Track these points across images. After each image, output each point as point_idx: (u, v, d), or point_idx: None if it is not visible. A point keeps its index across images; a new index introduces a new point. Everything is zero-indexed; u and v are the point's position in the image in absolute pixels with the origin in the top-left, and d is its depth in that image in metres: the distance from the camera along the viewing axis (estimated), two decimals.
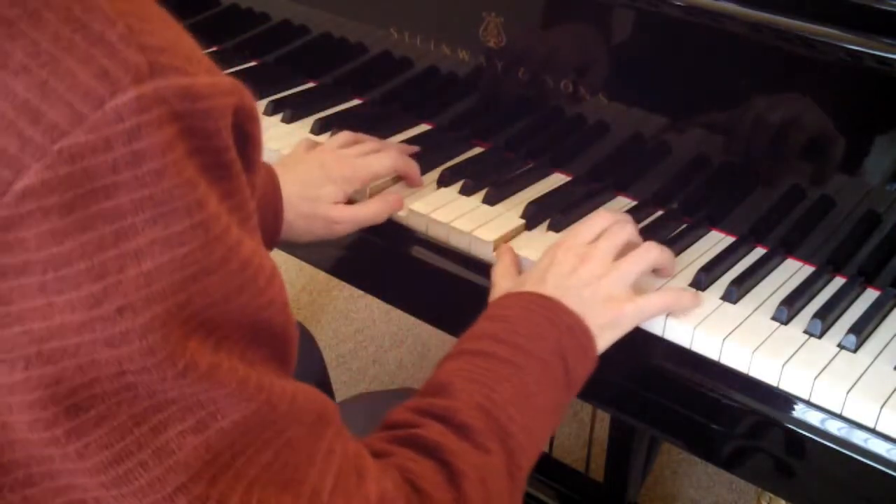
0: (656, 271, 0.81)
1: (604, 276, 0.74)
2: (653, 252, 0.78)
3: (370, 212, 0.89)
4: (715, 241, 0.89)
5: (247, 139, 0.45)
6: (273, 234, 0.86)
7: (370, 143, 0.95)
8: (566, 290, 0.72)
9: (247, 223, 0.45)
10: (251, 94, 0.45)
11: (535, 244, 0.86)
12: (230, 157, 0.43)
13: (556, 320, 0.69)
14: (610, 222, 0.80)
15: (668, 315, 0.77)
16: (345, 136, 0.96)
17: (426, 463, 0.57)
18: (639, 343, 0.79)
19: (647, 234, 0.88)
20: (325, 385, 1.09)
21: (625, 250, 0.78)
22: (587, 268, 0.74)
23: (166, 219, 0.40)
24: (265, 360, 0.46)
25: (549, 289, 0.73)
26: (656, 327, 0.78)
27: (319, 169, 0.89)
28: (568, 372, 0.68)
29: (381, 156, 0.92)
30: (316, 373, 1.07)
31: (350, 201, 0.91)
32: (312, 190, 0.87)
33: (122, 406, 0.41)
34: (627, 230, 0.79)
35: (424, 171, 0.97)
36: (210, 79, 0.42)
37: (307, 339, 1.07)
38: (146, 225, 0.40)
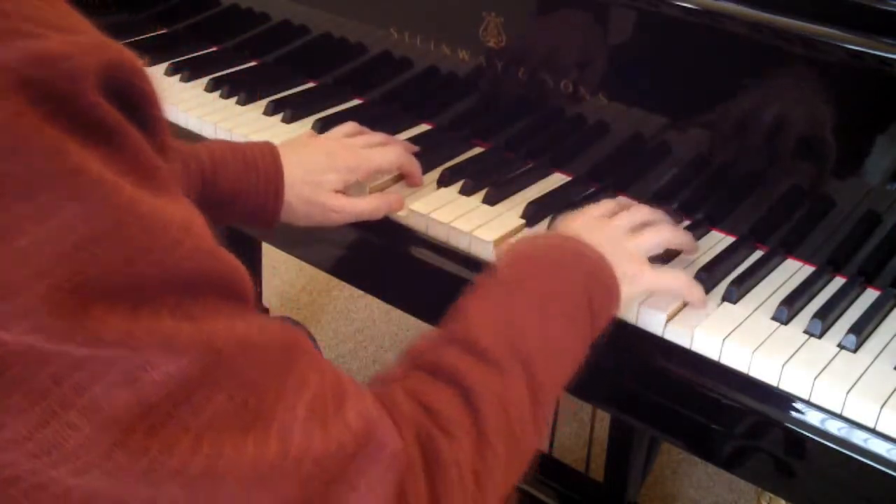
0: (678, 253, 0.84)
1: (625, 239, 0.76)
2: (668, 229, 0.80)
3: (368, 206, 0.90)
4: (715, 241, 0.89)
5: (135, 95, 0.42)
6: (273, 212, 0.86)
7: (376, 136, 0.96)
8: (591, 237, 0.73)
9: (148, 181, 0.42)
10: (129, 51, 0.43)
11: None
12: (105, 117, 0.40)
13: (583, 261, 0.69)
14: (620, 205, 0.82)
15: (668, 315, 0.77)
16: (351, 125, 0.97)
17: (440, 385, 0.56)
18: (639, 343, 0.79)
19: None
20: None
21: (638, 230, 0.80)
22: (608, 230, 0.76)
23: (32, 191, 0.38)
24: (209, 307, 0.44)
25: (574, 232, 0.74)
26: (656, 327, 0.78)
27: (325, 156, 0.89)
28: (593, 317, 0.68)
29: (387, 150, 0.92)
30: None
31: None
32: (315, 176, 0.87)
33: (37, 367, 0.39)
34: (643, 210, 0.82)
35: (425, 171, 0.97)
36: (64, 38, 0.39)
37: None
38: (12, 201, 0.37)
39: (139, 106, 0.43)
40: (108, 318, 0.40)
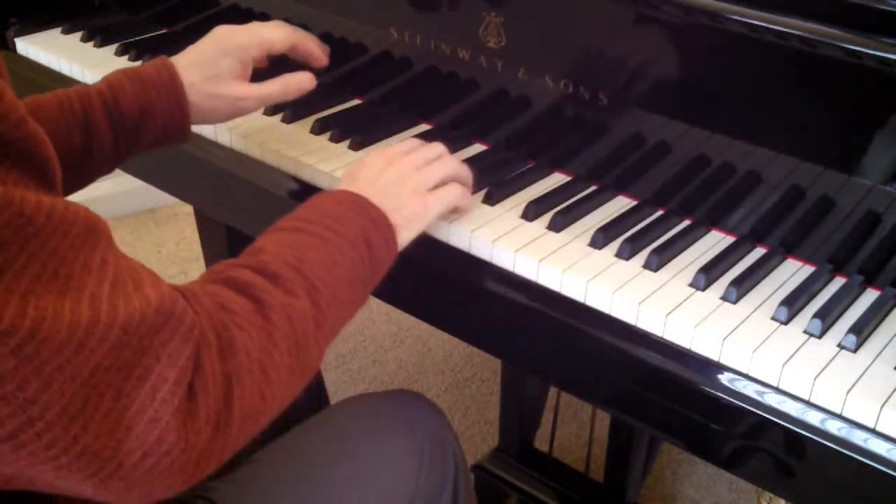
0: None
1: (409, 177, 0.82)
2: (454, 162, 0.87)
3: (274, 89, 0.93)
4: (715, 241, 0.89)
5: None
6: (181, 121, 0.89)
7: (271, 22, 0.99)
8: (373, 187, 0.80)
9: None
10: None
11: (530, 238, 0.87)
12: None
13: (362, 212, 0.76)
14: (420, 144, 0.88)
15: (668, 314, 0.78)
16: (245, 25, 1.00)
17: (234, 293, 0.63)
18: (639, 343, 0.79)
19: (647, 233, 0.88)
20: (318, 385, 1.08)
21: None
22: (394, 169, 0.82)
23: None
24: (21, 178, 0.47)
25: (360, 186, 0.80)
26: (656, 327, 0.78)
27: (213, 45, 0.92)
28: (371, 255, 0.75)
29: (276, 23, 0.96)
30: None
31: None
32: (211, 69, 0.90)
33: None
34: (438, 148, 0.87)
35: None
36: None
37: None
38: None
39: None
40: None
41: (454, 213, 0.89)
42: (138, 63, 1.22)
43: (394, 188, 0.81)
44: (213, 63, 0.90)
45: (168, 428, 0.52)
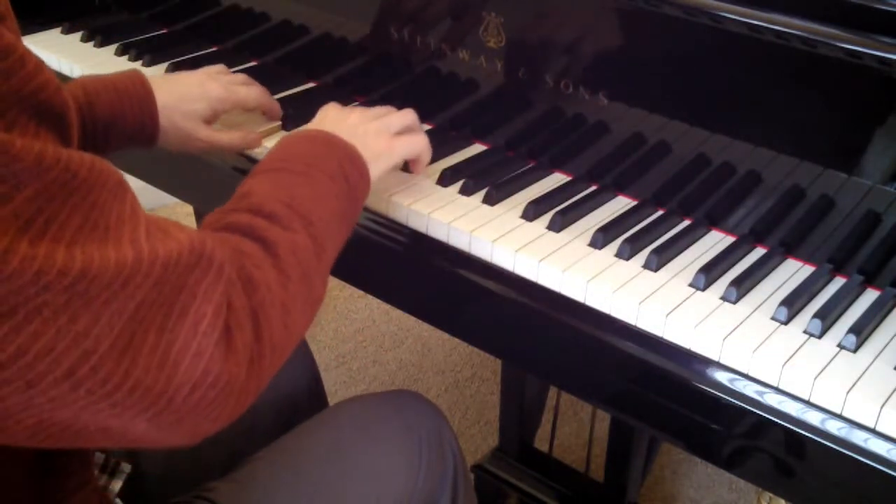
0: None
1: (370, 122, 0.88)
2: (410, 116, 0.92)
3: (225, 139, 0.99)
4: (715, 241, 0.89)
5: None
6: (152, 129, 0.94)
7: (240, 76, 1.05)
8: (339, 127, 0.84)
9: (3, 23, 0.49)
10: None
11: (531, 238, 0.87)
12: None
13: (335, 148, 0.80)
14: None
15: (668, 314, 0.78)
16: (220, 67, 1.05)
17: (239, 237, 0.66)
18: (639, 343, 0.79)
19: (646, 233, 0.88)
20: (317, 386, 1.09)
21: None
22: (355, 116, 0.88)
23: None
24: (54, 138, 0.51)
25: (326, 127, 0.84)
26: (656, 328, 0.78)
27: (198, 87, 0.98)
28: (350, 188, 0.78)
29: (251, 88, 1.03)
30: (308, 376, 1.07)
31: None
32: (187, 104, 0.97)
33: None
34: (391, 109, 0.92)
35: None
36: None
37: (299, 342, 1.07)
38: None
39: None
40: None
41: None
42: (138, 63, 1.22)
43: (359, 129, 0.86)
44: (190, 100, 0.97)
45: (212, 360, 0.55)
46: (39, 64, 0.50)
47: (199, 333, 0.55)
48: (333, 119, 0.87)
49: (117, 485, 0.76)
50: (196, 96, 0.97)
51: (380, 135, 0.87)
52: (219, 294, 0.56)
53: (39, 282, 0.47)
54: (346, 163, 0.79)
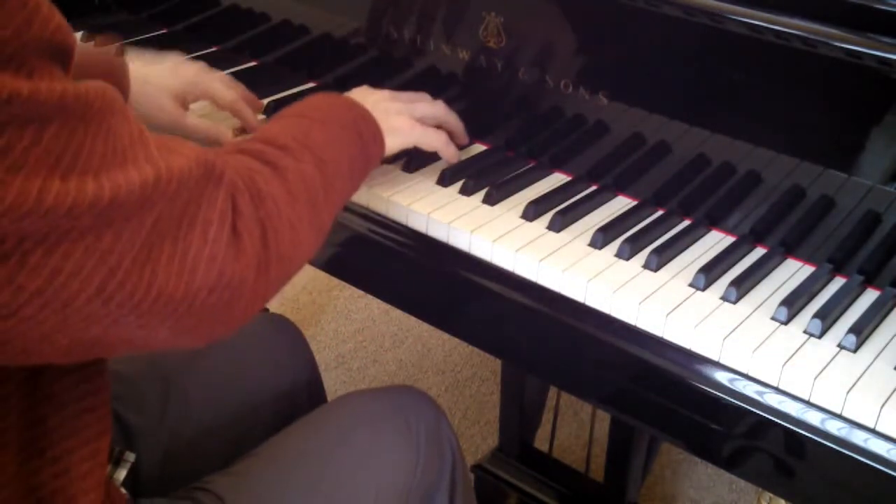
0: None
1: (393, 103, 0.91)
2: (443, 107, 0.96)
3: (191, 120, 1.01)
4: (715, 241, 0.89)
5: None
6: (124, 91, 0.95)
7: (221, 74, 1.06)
8: (365, 99, 0.88)
9: None
10: None
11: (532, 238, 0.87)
12: None
13: (354, 108, 0.85)
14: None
15: (668, 314, 0.78)
16: (201, 64, 1.06)
17: (252, 160, 0.70)
18: (639, 343, 0.79)
19: (646, 233, 0.88)
20: (316, 382, 1.09)
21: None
22: (383, 94, 0.92)
23: None
24: (65, 74, 0.53)
25: (353, 97, 0.88)
26: (656, 328, 0.78)
27: (171, 67, 1.02)
28: (363, 143, 0.82)
29: (229, 89, 1.04)
30: (307, 371, 1.07)
31: None
32: (158, 76, 1.00)
33: None
34: (437, 107, 0.96)
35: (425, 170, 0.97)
36: None
37: (298, 338, 1.07)
38: None
39: None
40: (15, 81, 0.47)
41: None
42: None
43: (381, 104, 0.89)
44: (163, 75, 1.00)
45: (225, 261, 0.60)
46: (51, 5, 0.53)
47: (210, 240, 0.59)
48: (360, 92, 0.91)
49: (122, 474, 0.77)
50: (167, 73, 1.01)
51: (400, 114, 0.90)
52: (221, 200, 0.60)
53: (72, 213, 0.50)
54: (361, 122, 0.83)
